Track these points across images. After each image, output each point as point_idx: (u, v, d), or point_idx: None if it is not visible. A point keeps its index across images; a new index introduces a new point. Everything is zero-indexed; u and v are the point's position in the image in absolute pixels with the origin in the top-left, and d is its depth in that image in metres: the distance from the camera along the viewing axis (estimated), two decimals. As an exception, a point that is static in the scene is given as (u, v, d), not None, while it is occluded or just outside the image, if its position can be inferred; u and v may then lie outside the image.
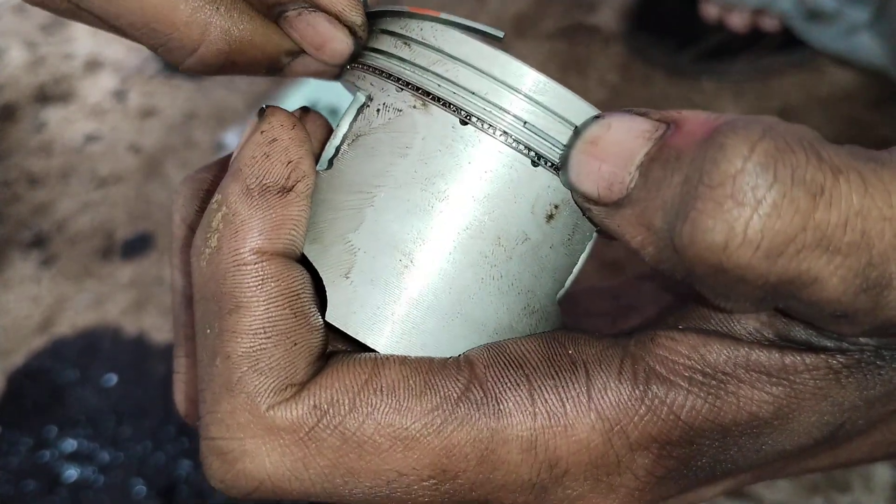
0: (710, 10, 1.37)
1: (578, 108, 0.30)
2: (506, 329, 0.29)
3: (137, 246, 1.39)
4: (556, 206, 0.30)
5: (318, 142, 0.31)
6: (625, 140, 0.26)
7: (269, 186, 0.27)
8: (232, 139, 1.45)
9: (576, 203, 0.29)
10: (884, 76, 1.25)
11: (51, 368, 1.28)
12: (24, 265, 1.41)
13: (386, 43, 0.31)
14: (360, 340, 0.27)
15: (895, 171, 0.23)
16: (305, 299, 0.26)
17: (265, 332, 0.24)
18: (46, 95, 1.66)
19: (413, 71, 0.30)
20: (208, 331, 0.24)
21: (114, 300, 1.32)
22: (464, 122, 0.29)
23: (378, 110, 0.30)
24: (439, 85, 0.29)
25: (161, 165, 1.49)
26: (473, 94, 0.29)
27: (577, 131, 0.29)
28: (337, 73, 0.32)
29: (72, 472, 1.16)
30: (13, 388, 1.27)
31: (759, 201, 0.22)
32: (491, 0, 1.57)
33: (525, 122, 0.29)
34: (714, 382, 0.26)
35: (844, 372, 0.27)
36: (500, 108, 0.29)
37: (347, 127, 0.31)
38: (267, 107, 0.30)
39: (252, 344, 0.24)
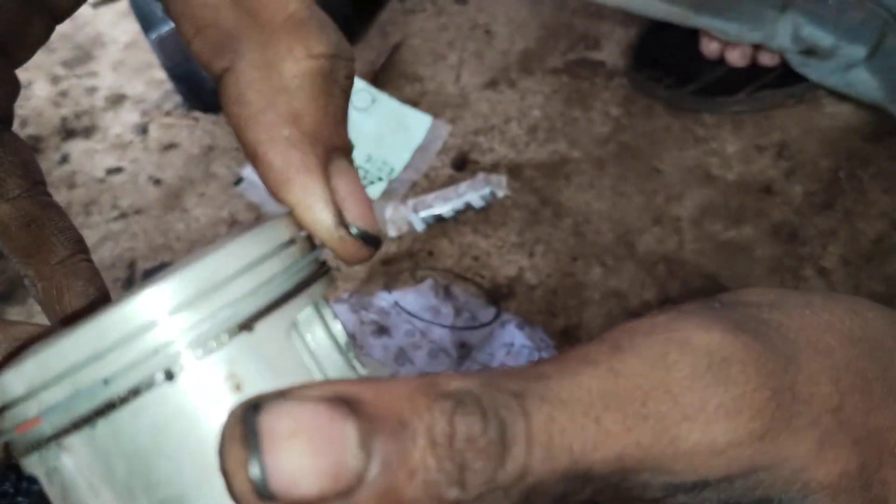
0: (711, 47, 1.41)
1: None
2: None
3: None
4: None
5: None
6: (326, 424, 0.23)
7: None
8: (249, 173, 1.50)
9: None
10: (882, 110, 1.29)
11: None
12: (48, 294, 1.46)
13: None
14: None
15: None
16: None
17: None
18: (69, 129, 1.72)
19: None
20: None
21: (135, 328, 1.37)
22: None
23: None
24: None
25: (181, 197, 1.54)
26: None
27: (248, 431, 0.23)
28: None
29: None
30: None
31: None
32: (498, 37, 1.62)
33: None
34: None
35: None
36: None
37: None
38: None
39: None
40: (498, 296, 1.25)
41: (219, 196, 1.52)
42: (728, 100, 1.40)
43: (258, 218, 1.46)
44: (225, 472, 0.23)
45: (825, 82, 1.35)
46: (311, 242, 0.32)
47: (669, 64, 1.44)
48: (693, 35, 1.42)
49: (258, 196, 1.48)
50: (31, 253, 0.41)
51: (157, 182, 1.57)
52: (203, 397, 0.26)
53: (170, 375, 0.26)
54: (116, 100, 1.75)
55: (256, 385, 0.27)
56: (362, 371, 0.31)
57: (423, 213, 1.35)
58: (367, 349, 1.23)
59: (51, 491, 0.28)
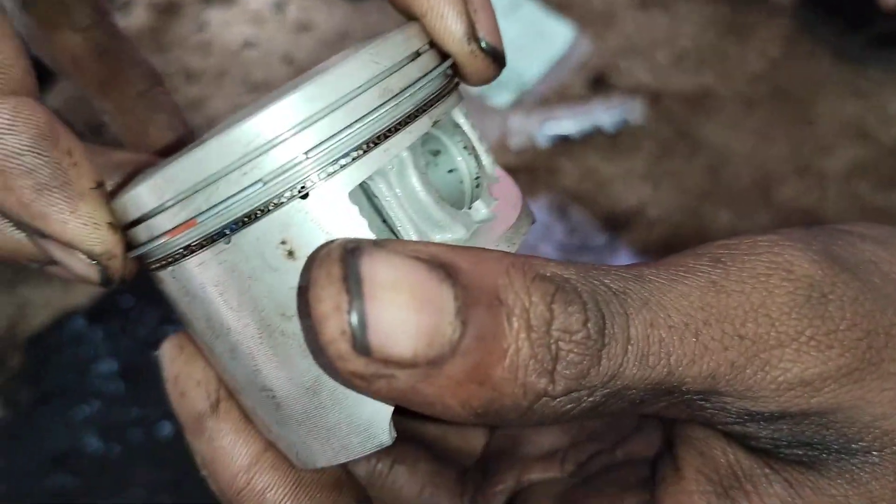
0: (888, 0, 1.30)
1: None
2: None
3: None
4: (283, 242, 0.26)
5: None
6: (426, 282, 0.21)
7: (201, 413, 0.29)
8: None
9: (346, 380, 0.22)
10: None
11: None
12: (172, 155, 1.50)
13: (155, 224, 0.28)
14: (310, 468, 0.28)
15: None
16: None
17: None
18: (211, -3, 1.74)
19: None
20: None
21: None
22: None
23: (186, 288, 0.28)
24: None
25: (310, 78, 1.54)
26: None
27: (350, 274, 0.21)
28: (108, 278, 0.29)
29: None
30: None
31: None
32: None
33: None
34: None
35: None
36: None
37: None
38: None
39: None
40: (615, 224, 1.21)
41: (347, 83, 1.51)
42: (899, 56, 1.29)
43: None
44: (314, 316, 0.21)
45: None
46: (437, 55, 0.30)
47: (841, 9, 1.33)
48: (872, -20, 1.31)
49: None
50: (108, 85, 0.40)
51: (290, 61, 1.58)
52: (332, 215, 0.25)
53: (303, 193, 0.25)
54: (259, -26, 1.76)
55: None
56: (481, 211, 0.30)
57: (550, 129, 1.31)
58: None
59: (180, 302, 0.29)
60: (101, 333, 1.31)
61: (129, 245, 0.29)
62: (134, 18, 1.74)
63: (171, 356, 0.30)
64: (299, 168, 0.25)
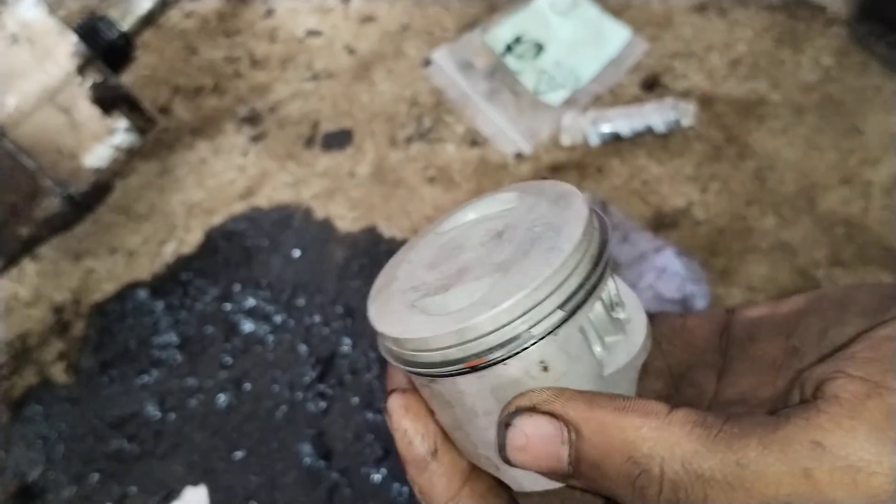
0: (949, 10, 1.30)
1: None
2: None
3: (337, 140, 1.50)
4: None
5: None
6: (546, 446, 0.34)
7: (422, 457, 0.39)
8: (439, 56, 1.52)
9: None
10: None
11: (245, 232, 1.42)
12: (236, 137, 1.56)
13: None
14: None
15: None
16: None
17: None
18: (278, -15, 1.79)
19: None
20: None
21: (309, 184, 1.45)
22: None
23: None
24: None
25: (370, 70, 1.59)
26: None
27: (502, 431, 0.35)
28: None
29: (248, 326, 1.31)
30: (210, 243, 1.43)
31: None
32: (718, -39, 1.55)
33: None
34: None
35: None
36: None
37: None
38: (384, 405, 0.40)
39: None
40: (661, 224, 1.23)
41: (406, 75, 1.55)
42: (955, 70, 1.29)
43: (438, 104, 1.49)
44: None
45: None
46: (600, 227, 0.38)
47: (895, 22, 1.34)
48: (931, -6, 1.31)
49: (443, 80, 1.50)
50: None
51: (352, 51, 1.63)
52: (521, 374, 0.35)
53: (505, 358, 0.35)
54: (326, -35, 1.81)
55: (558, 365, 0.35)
56: (621, 328, 0.38)
57: (601, 128, 1.34)
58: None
59: (426, 388, 0.39)
60: (162, 305, 1.37)
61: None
62: (205, 3, 1.80)
63: (398, 414, 0.40)
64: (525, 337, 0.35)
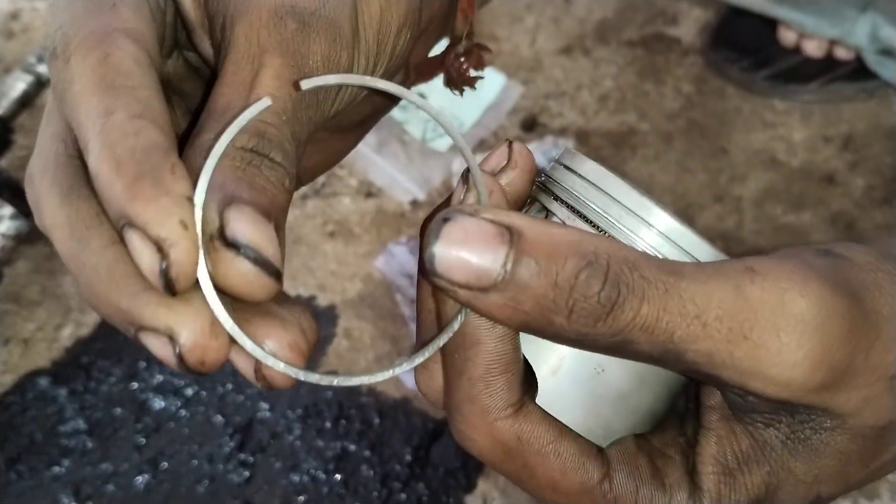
0: (788, 36, 1.43)
1: (705, 251, 0.36)
2: (649, 416, 0.38)
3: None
4: None
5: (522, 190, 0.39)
6: (488, 240, 0.31)
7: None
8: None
9: (436, 285, 0.32)
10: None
11: (145, 307, 1.39)
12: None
13: (564, 179, 0.38)
14: (559, 419, 0.37)
15: (689, 281, 0.32)
16: (518, 343, 0.36)
17: (495, 364, 0.34)
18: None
19: (576, 198, 0.37)
20: (456, 356, 0.35)
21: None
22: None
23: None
24: (595, 209, 0.37)
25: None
26: (618, 221, 0.36)
27: (438, 228, 0.31)
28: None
29: (158, 402, 1.29)
30: (107, 322, 1.39)
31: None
32: (577, 5, 1.65)
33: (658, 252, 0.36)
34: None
35: (789, 444, 0.35)
36: (638, 236, 0.36)
37: None
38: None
39: (485, 372, 0.34)
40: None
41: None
42: (800, 88, 1.42)
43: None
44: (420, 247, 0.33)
45: (897, 82, 1.37)
46: None
47: (745, 47, 1.46)
48: (771, 22, 1.44)
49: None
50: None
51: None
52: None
53: None
54: None
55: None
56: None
57: (490, 170, 1.40)
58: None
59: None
60: (65, 391, 1.32)
61: None
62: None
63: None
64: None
